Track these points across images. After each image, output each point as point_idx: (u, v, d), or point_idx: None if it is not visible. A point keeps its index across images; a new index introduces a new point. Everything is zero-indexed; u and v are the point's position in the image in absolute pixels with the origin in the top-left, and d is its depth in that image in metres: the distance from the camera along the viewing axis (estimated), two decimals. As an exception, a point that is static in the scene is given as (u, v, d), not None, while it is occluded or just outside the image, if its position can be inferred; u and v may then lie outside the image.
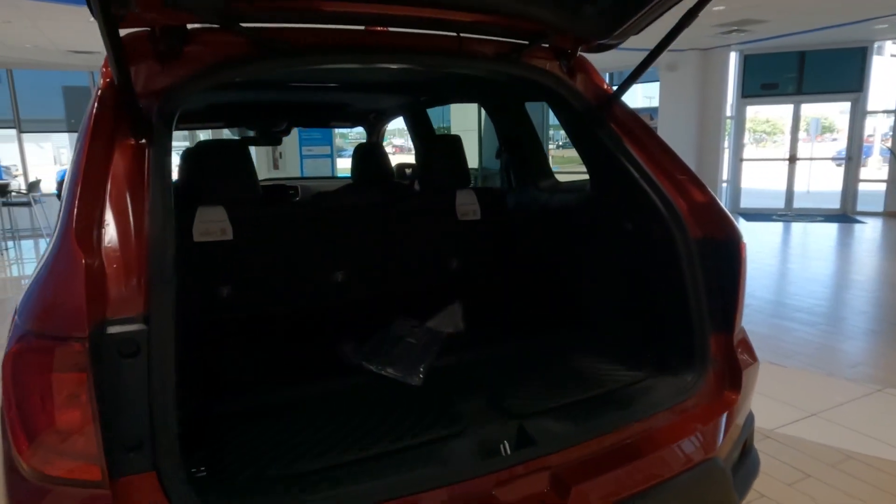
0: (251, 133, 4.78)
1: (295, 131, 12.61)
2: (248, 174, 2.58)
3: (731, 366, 1.95)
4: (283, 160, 12.50)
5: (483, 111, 11.68)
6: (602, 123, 2.17)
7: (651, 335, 2.17)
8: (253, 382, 2.03)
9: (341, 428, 1.70)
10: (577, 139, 2.36)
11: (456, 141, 2.97)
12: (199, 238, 2.45)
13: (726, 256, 1.94)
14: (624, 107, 2.24)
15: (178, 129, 4.43)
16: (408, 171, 5.01)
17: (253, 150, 11.16)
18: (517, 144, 3.12)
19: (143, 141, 1.57)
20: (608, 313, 2.44)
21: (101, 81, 1.65)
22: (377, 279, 2.91)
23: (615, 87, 2.26)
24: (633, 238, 2.19)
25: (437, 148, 3.02)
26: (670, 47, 1.84)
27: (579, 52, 2.23)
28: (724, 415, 1.88)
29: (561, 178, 3.10)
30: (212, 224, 2.48)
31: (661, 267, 2.03)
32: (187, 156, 2.57)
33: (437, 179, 2.92)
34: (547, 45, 2.17)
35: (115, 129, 1.56)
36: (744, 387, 1.94)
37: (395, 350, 2.18)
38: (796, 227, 11.09)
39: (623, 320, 2.34)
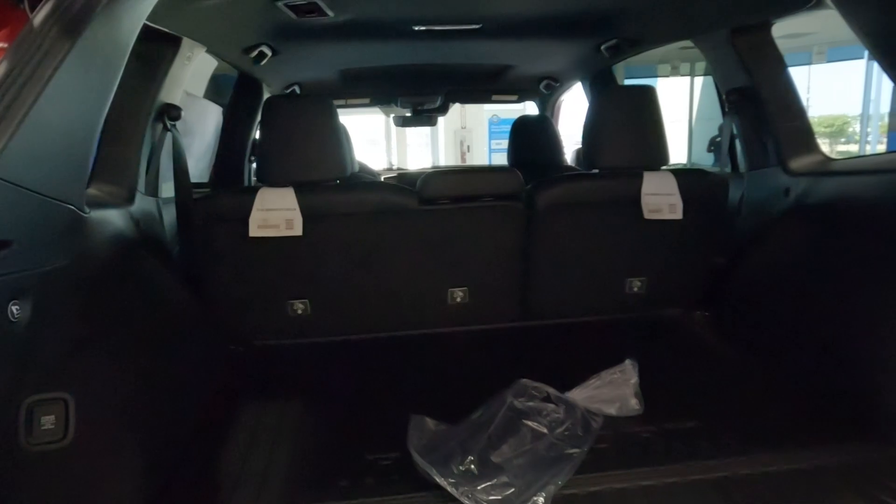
0: (408, 113, 4.15)
1: (485, 126, 12.19)
2: (333, 146, 1.80)
3: None
4: (471, 154, 12.05)
5: (692, 94, 9.89)
6: None
7: None
8: (247, 481, 1.23)
9: None
10: None
11: (645, 94, 1.90)
12: (256, 232, 1.75)
13: None
14: None
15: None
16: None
17: (441, 144, 10.72)
18: (752, 100, 1.93)
19: None
20: None
21: None
22: (508, 304, 1.97)
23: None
24: None
25: (613, 106, 1.95)
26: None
27: None
28: None
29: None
30: (275, 213, 1.76)
31: None
32: (261, 117, 1.90)
33: (611, 155, 1.88)
34: None
35: None
36: None
37: (503, 444, 1.23)
38: None
39: None
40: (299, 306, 1.90)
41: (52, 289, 0.97)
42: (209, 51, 2.05)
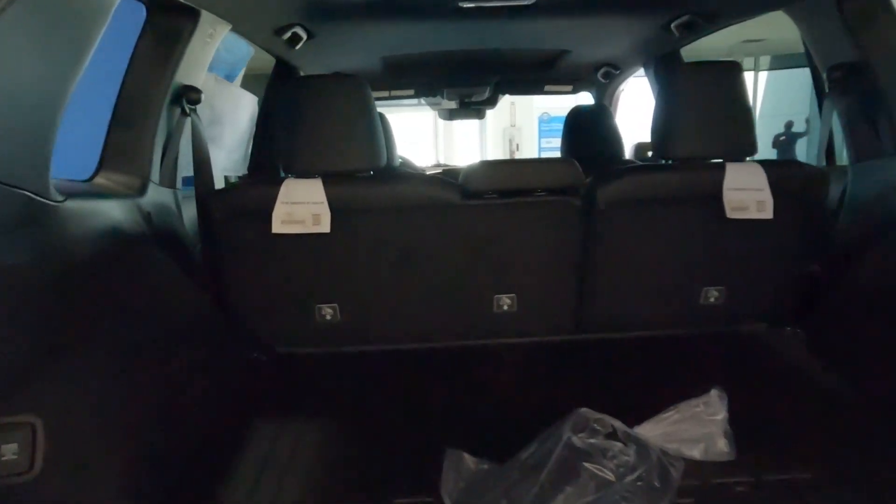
0: (454, 105, 3.94)
1: (534, 124, 11.87)
2: (366, 132, 1.60)
3: None
4: (520, 153, 11.81)
5: (756, 89, 9.33)
6: None
7: None
8: None
9: None
10: None
11: (728, 71, 1.62)
12: (280, 228, 1.56)
13: None
14: None
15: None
16: (650, 154, 3.62)
17: (490, 142, 10.57)
18: (862, 77, 1.62)
19: None
20: None
21: None
22: (562, 314, 1.73)
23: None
24: None
25: (689, 85, 1.68)
26: None
27: None
28: None
29: None
30: (300, 207, 1.57)
31: None
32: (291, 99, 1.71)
33: (686, 143, 1.62)
34: None
35: None
36: None
37: (559, 494, 0.99)
38: None
39: None
40: (328, 311, 1.71)
41: (5, 290, 0.79)
42: (235, 30, 1.88)
